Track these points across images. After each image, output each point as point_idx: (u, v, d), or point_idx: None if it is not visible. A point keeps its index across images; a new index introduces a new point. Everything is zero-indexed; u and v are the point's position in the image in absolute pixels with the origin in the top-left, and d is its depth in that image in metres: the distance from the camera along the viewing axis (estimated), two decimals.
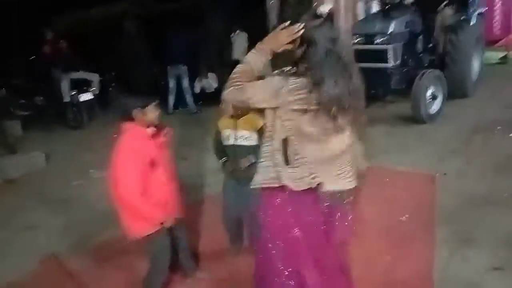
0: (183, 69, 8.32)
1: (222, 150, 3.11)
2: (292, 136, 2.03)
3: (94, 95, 8.24)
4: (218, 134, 3.10)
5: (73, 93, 7.93)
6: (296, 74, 2.03)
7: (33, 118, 8.29)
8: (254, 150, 2.94)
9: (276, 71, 2.14)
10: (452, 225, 3.52)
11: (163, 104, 6.20)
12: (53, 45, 8.09)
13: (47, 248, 3.74)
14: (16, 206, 4.76)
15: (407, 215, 3.73)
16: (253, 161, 2.90)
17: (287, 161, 2.06)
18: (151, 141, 2.64)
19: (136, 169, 2.53)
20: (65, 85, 7.88)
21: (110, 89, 10.10)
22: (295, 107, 1.98)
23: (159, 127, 2.72)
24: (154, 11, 10.08)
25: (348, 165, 2.12)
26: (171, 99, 8.55)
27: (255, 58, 2.08)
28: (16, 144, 6.55)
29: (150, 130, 2.65)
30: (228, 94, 2.07)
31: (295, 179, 2.07)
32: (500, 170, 4.52)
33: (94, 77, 8.42)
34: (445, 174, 4.53)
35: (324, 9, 2.03)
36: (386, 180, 4.33)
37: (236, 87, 2.04)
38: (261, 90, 2.03)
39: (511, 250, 3.12)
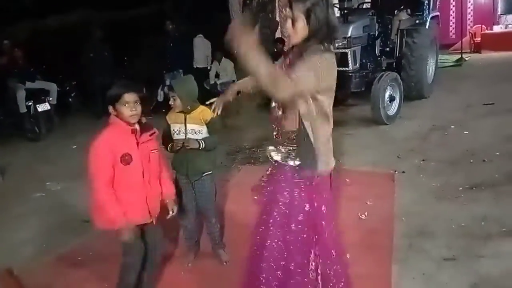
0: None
1: (171, 142, 3.08)
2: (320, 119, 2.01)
3: (51, 105, 8.00)
4: (167, 127, 3.09)
5: (29, 103, 7.70)
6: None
7: None
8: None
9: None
10: (411, 219, 3.61)
11: None
12: (8, 55, 7.86)
13: (5, 263, 3.58)
14: None
15: (366, 213, 3.80)
16: (203, 145, 2.95)
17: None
18: (130, 137, 2.45)
19: (104, 160, 2.37)
20: (21, 96, 7.63)
21: (70, 99, 9.94)
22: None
23: (145, 127, 2.53)
24: (118, 18, 9.99)
25: None
26: None
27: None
28: None
29: (131, 126, 2.44)
30: (284, 91, 1.79)
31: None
32: (454, 165, 4.69)
33: (52, 87, 8.20)
34: (403, 172, 4.66)
35: None
36: (346, 181, 4.40)
37: (286, 82, 1.79)
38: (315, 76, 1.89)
39: (463, 241, 3.22)
